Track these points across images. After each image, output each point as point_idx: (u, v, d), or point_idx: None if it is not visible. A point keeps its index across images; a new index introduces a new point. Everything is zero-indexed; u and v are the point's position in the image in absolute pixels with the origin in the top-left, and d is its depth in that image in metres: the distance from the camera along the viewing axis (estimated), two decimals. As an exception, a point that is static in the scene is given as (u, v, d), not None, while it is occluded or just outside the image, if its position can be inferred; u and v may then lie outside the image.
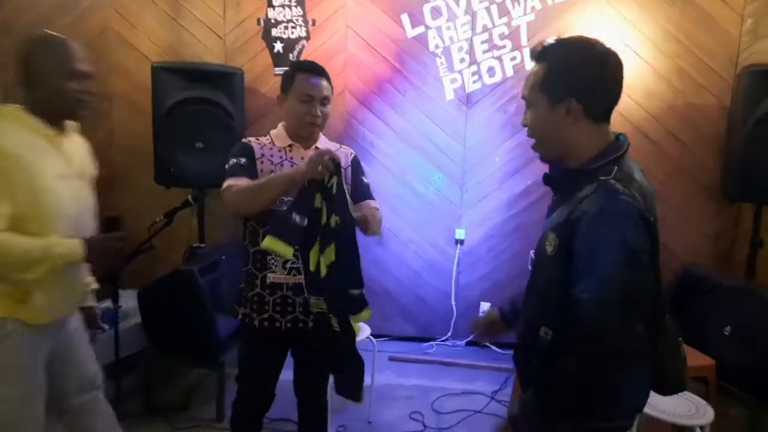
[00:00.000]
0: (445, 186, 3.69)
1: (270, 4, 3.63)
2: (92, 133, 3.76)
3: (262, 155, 1.95)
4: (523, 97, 1.40)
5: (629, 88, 3.47)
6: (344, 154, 2.06)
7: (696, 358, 2.63)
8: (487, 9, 3.50)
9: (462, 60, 3.57)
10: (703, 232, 3.54)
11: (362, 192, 2.07)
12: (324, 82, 1.96)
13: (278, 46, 3.67)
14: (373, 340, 2.96)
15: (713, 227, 3.53)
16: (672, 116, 3.48)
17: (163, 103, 3.24)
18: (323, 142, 2.05)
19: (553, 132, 1.35)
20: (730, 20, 3.36)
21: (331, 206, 1.73)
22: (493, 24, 3.51)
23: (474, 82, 3.58)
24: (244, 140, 2.02)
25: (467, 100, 3.62)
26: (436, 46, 3.57)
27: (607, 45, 1.34)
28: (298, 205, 1.71)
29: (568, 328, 1.26)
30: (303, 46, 3.66)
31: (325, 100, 1.96)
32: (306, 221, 1.70)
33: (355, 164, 2.09)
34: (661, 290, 1.42)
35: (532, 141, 1.40)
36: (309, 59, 2.08)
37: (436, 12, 3.54)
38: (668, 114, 3.48)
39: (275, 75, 3.69)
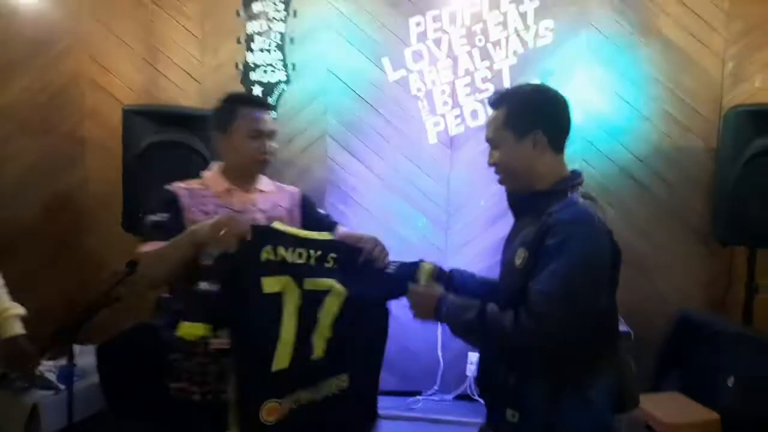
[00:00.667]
0: (429, 230, 3.57)
1: (249, 48, 3.58)
2: (66, 179, 3.70)
3: (192, 205, 1.71)
4: (487, 140, 1.55)
5: (614, 131, 3.42)
6: (289, 194, 1.92)
7: (699, 413, 2.47)
8: (469, 53, 3.47)
9: (445, 103, 3.51)
10: (694, 276, 3.42)
11: (326, 226, 1.90)
12: (270, 115, 1.83)
13: (257, 90, 3.59)
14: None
15: (705, 272, 3.41)
16: (658, 158, 3.42)
17: (133, 147, 3.12)
18: (265, 184, 1.89)
19: (522, 163, 1.49)
20: (711, 63, 3.36)
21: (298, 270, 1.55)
22: (475, 68, 3.48)
23: (457, 125, 3.51)
24: (168, 187, 1.75)
25: (451, 143, 3.54)
26: (418, 90, 3.52)
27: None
28: (206, 271, 1.49)
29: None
30: (283, 90, 3.59)
31: (273, 134, 1.82)
32: (218, 287, 1.47)
33: (305, 203, 1.93)
34: (616, 313, 1.55)
35: (499, 177, 1.55)
36: (248, 93, 1.91)
37: (417, 56, 3.50)
38: (655, 156, 3.42)
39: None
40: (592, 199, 1.48)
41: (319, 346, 1.60)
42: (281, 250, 1.54)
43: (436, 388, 3.55)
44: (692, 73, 3.37)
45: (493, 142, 1.53)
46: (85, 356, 2.87)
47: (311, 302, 1.58)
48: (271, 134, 1.81)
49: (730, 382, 2.56)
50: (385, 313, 1.71)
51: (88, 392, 2.81)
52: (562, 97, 1.52)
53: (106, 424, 2.75)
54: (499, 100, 1.53)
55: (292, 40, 3.55)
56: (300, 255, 1.58)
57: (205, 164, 3.12)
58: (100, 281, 3.01)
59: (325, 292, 1.60)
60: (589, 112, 3.42)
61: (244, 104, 1.79)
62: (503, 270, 1.55)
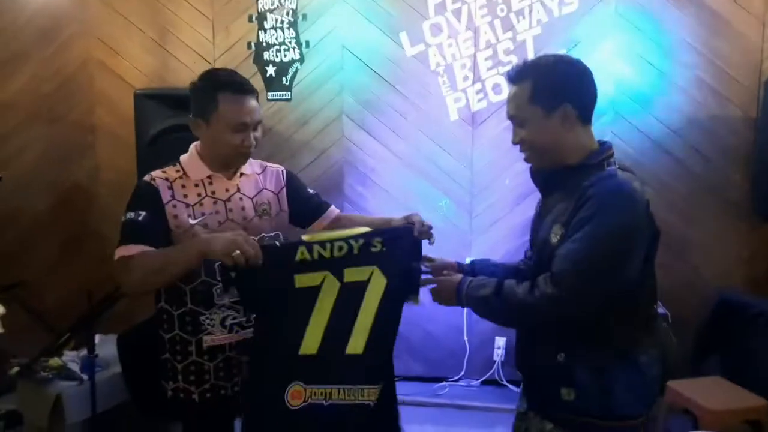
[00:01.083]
0: (452, 212, 3.44)
1: (261, 27, 3.45)
2: (77, 168, 3.65)
3: (172, 197, 1.59)
4: (510, 118, 1.46)
5: (646, 102, 3.24)
6: (274, 175, 1.78)
7: (745, 398, 2.33)
8: (490, 24, 3.30)
9: (465, 78, 3.36)
10: (734, 253, 3.25)
11: (314, 205, 1.81)
12: (254, 103, 1.62)
13: (270, 70, 3.47)
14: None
15: (746, 248, 3.24)
16: (694, 130, 3.23)
17: (146, 133, 3.03)
18: (248, 167, 1.73)
19: (551, 139, 1.41)
20: (750, 26, 3.15)
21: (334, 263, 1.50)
22: (497, 39, 3.31)
23: (479, 100, 3.36)
24: (146, 179, 1.61)
25: (473, 119, 3.39)
26: (438, 65, 3.37)
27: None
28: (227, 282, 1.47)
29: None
30: (297, 69, 3.46)
31: (258, 125, 1.64)
32: (229, 297, 1.49)
33: (292, 181, 1.80)
34: (655, 288, 1.50)
35: (525, 155, 1.47)
36: (229, 71, 1.66)
37: (436, 29, 3.34)
38: (690, 128, 3.23)
39: (268, 101, 3.49)
40: (630, 170, 1.43)
41: (356, 341, 1.51)
42: (318, 249, 1.49)
43: (462, 373, 3.45)
44: (729, 38, 3.17)
45: (518, 119, 1.45)
46: (107, 346, 2.83)
47: (350, 296, 1.51)
48: (255, 126, 1.63)
49: (778, 365, 2.42)
50: (398, 310, 1.58)
51: (110, 383, 2.76)
52: (585, 66, 1.45)
53: (130, 415, 2.70)
54: (521, 73, 1.44)
55: (304, 17, 3.41)
56: (340, 248, 1.50)
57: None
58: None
59: (365, 284, 1.52)
60: (619, 83, 3.24)
61: (225, 90, 1.58)
62: (536, 249, 1.48)
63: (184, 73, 3.51)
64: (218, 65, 3.50)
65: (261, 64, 3.47)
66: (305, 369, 1.50)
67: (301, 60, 3.45)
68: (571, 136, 1.42)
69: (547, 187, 1.50)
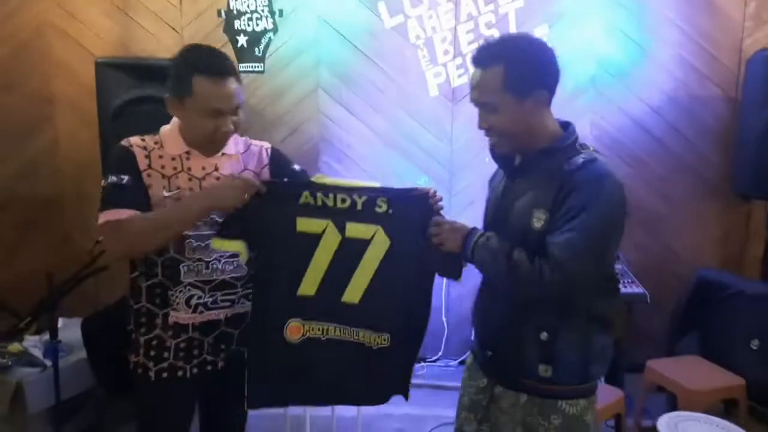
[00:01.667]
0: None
1: (231, -7, 3.26)
2: (34, 142, 3.43)
3: (149, 166, 1.51)
4: (478, 104, 1.41)
5: (627, 79, 3.20)
6: (257, 154, 1.69)
7: (723, 378, 2.35)
8: (472, -5, 3.20)
9: (446, 52, 3.25)
10: (710, 232, 3.28)
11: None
12: (234, 86, 1.51)
13: (242, 40, 3.30)
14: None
15: (721, 227, 3.27)
16: (673, 109, 3.21)
17: (109, 105, 2.82)
18: (230, 145, 1.62)
19: (523, 126, 1.38)
20: (732, 4, 3.12)
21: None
22: (479, 12, 3.21)
23: (460, 75, 3.26)
24: (124, 143, 1.54)
25: (453, 95, 3.30)
26: (417, 37, 3.25)
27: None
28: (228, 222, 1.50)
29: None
30: (270, 40, 3.30)
31: (237, 109, 1.54)
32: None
33: (276, 158, 1.72)
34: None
35: (492, 140, 1.43)
36: (209, 50, 1.54)
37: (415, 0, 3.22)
38: (669, 107, 3.21)
39: (240, 72, 3.31)
40: (597, 152, 1.45)
41: (352, 292, 1.54)
42: (321, 196, 1.51)
43: (440, 353, 3.43)
44: (711, 16, 3.14)
45: (486, 105, 1.39)
46: (71, 330, 2.69)
47: (350, 251, 1.52)
48: (234, 110, 1.53)
49: (755, 344, 2.45)
50: (430, 277, 1.57)
51: (75, 368, 2.63)
52: (551, 47, 1.43)
53: (96, 402, 2.59)
54: (490, 57, 1.38)
55: (278, -16, 3.24)
56: (344, 201, 1.51)
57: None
58: (84, 250, 2.78)
59: (367, 243, 1.52)
60: (601, 60, 3.19)
61: (201, 73, 1.47)
62: (508, 233, 1.41)
63: (149, 42, 3.31)
64: (186, 33, 3.31)
65: (232, 33, 3.29)
66: (302, 307, 1.54)
67: (275, 30, 3.28)
68: (540, 120, 1.41)
69: (515, 170, 1.47)
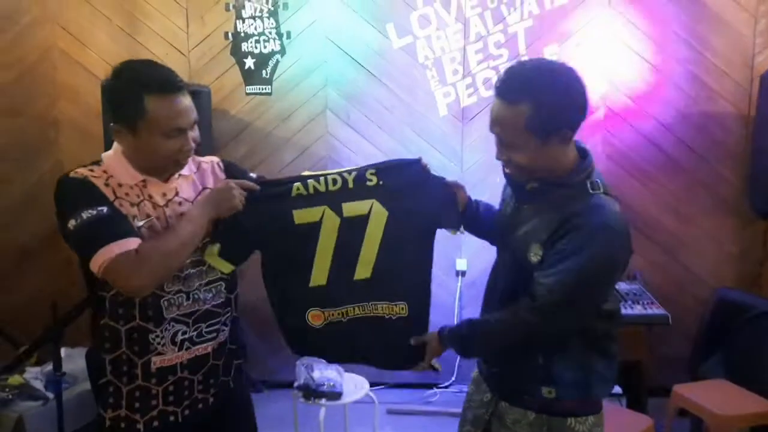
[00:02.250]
0: (441, 211, 3.31)
1: (239, 16, 3.25)
2: (39, 165, 3.38)
3: (115, 195, 1.36)
4: (498, 136, 1.35)
5: (638, 97, 3.18)
6: (207, 168, 1.57)
7: (753, 403, 2.27)
8: (481, 15, 3.18)
9: (455, 71, 3.23)
10: (726, 250, 3.22)
11: None
12: (187, 100, 1.39)
13: (249, 62, 3.28)
14: (372, 393, 2.53)
15: (738, 245, 3.21)
16: (685, 125, 3.18)
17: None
18: (185, 166, 1.50)
19: (542, 162, 1.34)
20: (742, 21, 3.11)
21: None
22: (488, 32, 3.19)
23: (469, 95, 3.24)
24: (75, 176, 1.36)
25: (462, 115, 3.27)
26: (426, 58, 3.23)
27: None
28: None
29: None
30: (277, 62, 3.27)
31: (194, 125, 1.41)
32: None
33: (231, 170, 1.61)
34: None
35: (510, 171, 1.40)
36: (152, 66, 1.42)
37: (424, 20, 3.20)
38: (681, 123, 3.18)
39: (247, 94, 3.30)
40: (608, 190, 1.38)
41: (363, 269, 1.56)
42: (312, 183, 1.52)
43: (453, 379, 3.33)
44: (722, 33, 3.12)
45: (507, 142, 1.34)
46: (74, 360, 2.61)
47: (352, 230, 1.53)
48: (192, 126, 1.41)
49: (784, 367, 2.37)
50: (431, 235, 1.60)
51: (79, 400, 2.55)
52: (578, 75, 1.35)
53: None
54: (516, 93, 1.29)
55: (285, 6, 3.22)
56: (335, 181, 1.53)
57: (197, 145, 2.85)
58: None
59: (366, 218, 1.53)
60: (612, 78, 3.16)
61: (152, 91, 1.32)
62: (511, 255, 1.44)
63: (156, 65, 3.28)
64: (192, 56, 3.29)
65: (239, 55, 3.27)
66: (319, 297, 1.56)
67: (282, 52, 3.26)
68: (561, 153, 1.36)
69: (525, 195, 1.44)
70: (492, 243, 1.67)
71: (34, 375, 2.65)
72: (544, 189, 1.37)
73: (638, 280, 2.89)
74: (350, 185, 1.53)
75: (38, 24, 3.27)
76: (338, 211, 1.52)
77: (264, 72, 3.28)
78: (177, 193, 1.47)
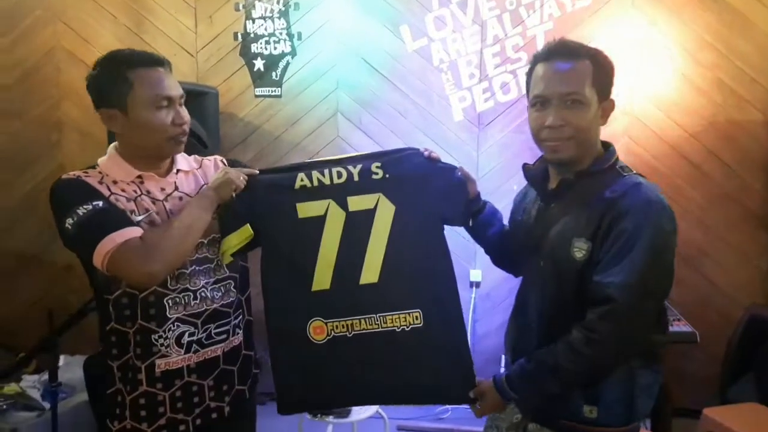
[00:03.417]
0: (455, 220, 3.19)
1: (248, 17, 3.15)
2: (41, 168, 3.29)
3: (110, 192, 1.34)
4: (569, 96, 1.30)
5: (663, 103, 3.04)
6: (209, 165, 1.55)
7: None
8: (499, 18, 3.07)
9: (471, 75, 3.11)
10: (754, 265, 3.07)
11: None
12: (172, 77, 1.39)
13: (259, 64, 3.18)
14: (381, 411, 2.40)
15: (765, 260, 3.06)
16: (713, 134, 3.04)
17: (119, 130, 2.70)
18: (183, 162, 1.49)
19: (593, 132, 1.33)
20: (772, 25, 2.97)
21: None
22: (506, 34, 3.08)
23: (486, 100, 3.12)
24: (68, 177, 1.35)
25: (479, 120, 3.15)
26: (441, 61, 3.12)
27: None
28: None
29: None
30: (288, 63, 3.17)
31: (182, 99, 1.41)
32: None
33: (235, 166, 1.55)
34: None
35: (557, 142, 1.32)
36: (132, 49, 1.41)
37: (439, 22, 3.09)
38: (708, 132, 3.04)
39: (256, 96, 3.19)
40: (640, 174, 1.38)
41: (369, 271, 1.46)
42: (317, 175, 1.46)
43: (466, 395, 3.20)
44: (750, 37, 2.98)
45: (576, 98, 1.30)
46: (73, 368, 2.52)
47: (357, 225, 1.46)
48: (181, 98, 1.40)
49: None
50: (441, 236, 1.50)
51: (76, 412, 2.45)
52: None
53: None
54: (578, 52, 1.33)
55: (296, 6, 3.12)
56: (339, 174, 1.46)
57: (203, 147, 2.75)
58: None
59: (372, 212, 1.45)
60: (635, 84, 3.03)
61: (136, 66, 1.33)
62: (544, 265, 1.36)
63: (163, 66, 3.19)
64: (201, 57, 3.20)
65: (248, 56, 3.17)
66: (321, 305, 1.46)
67: (293, 53, 3.16)
68: (597, 134, 1.36)
69: (550, 194, 1.40)
70: (487, 251, 1.63)
71: (31, 383, 2.55)
72: (570, 185, 1.34)
73: (663, 295, 2.75)
74: (356, 178, 1.46)
75: (42, 23, 3.19)
76: (343, 205, 1.45)
77: (274, 74, 3.18)
78: (177, 188, 1.43)
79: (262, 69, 3.18)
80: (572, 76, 1.30)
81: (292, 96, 3.18)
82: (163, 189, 1.40)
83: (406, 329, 1.46)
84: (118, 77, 1.32)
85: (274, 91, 3.18)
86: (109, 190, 1.33)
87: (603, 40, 3.02)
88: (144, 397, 1.37)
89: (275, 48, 3.16)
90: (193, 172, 1.50)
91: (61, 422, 2.18)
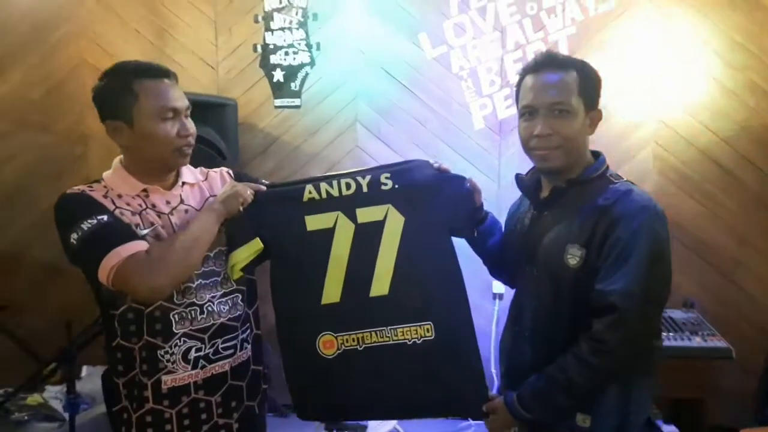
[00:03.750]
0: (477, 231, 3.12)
1: (268, 28, 3.16)
2: (66, 181, 3.34)
3: (115, 206, 1.33)
4: (555, 106, 1.34)
5: (693, 108, 2.93)
6: (216, 177, 1.54)
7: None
8: (519, 23, 3.01)
9: (492, 82, 3.06)
10: (792, 276, 2.92)
11: None
12: (177, 88, 1.39)
13: (278, 75, 3.18)
14: (399, 427, 2.34)
15: (805, 271, 2.91)
16: (745, 139, 2.91)
17: (140, 142, 2.73)
18: (188, 174, 1.48)
19: (581, 141, 1.36)
20: (808, 24, 2.85)
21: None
22: (527, 40, 3.02)
23: (507, 107, 3.05)
24: (73, 192, 1.34)
25: (500, 128, 3.09)
26: (461, 68, 3.07)
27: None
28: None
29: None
30: (306, 74, 3.17)
31: (188, 110, 1.39)
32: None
33: (241, 178, 1.56)
34: None
35: (546, 152, 1.36)
36: (137, 61, 1.40)
37: (459, 29, 3.05)
38: (741, 137, 2.91)
39: (275, 108, 3.20)
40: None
41: (379, 283, 1.45)
42: (325, 187, 1.44)
43: (489, 409, 3.11)
44: (785, 38, 2.86)
45: (563, 108, 1.34)
46: (95, 379, 2.53)
47: (367, 237, 1.44)
48: (187, 109, 1.39)
49: None
50: (451, 247, 1.47)
51: (95, 423, 2.44)
52: None
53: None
54: (564, 62, 1.38)
55: (315, 17, 3.13)
56: (348, 186, 1.44)
57: (221, 159, 2.76)
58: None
59: (382, 224, 1.44)
60: (662, 88, 2.93)
61: (141, 77, 1.33)
62: (537, 274, 1.38)
63: (184, 79, 3.15)
64: (221, 69, 3.22)
65: (268, 68, 3.18)
66: (331, 318, 1.45)
67: (312, 63, 3.16)
68: (586, 143, 1.40)
69: (542, 202, 1.43)
70: (485, 261, 1.63)
71: (53, 394, 2.58)
72: (562, 192, 1.37)
73: (696, 308, 2.63)
74: (365, 189, 1.45)
75: (70, 38, 3.26)
76: (352, 217, 1.44)
77: (293, 84, 3.18)
78: (182, 201, 1.42)
79: (281, 80, 3.18)
80: (559, 87, 1.34)
81: (311, 106, 3.18)
82: (168, 202, 1.40)
83: (417, 342, 1.44)
84: (123, 89, 1.32)
85: (294, 101, 3.18)
86: (114, 203, 1.33)
87: (627, 43, 2.94)
88: (150, 415, 1.35)
89: (294, 59, 3.16)
90: (198, 184, 1.49)
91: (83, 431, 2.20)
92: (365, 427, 2.19)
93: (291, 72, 3.17)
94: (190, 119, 1.40)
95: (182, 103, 1.37)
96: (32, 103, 3.27)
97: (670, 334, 2.41)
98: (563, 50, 2.97)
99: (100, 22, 3.25)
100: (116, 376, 1.38)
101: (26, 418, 2.37)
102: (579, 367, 1.27)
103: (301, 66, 3.17)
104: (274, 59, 3.18)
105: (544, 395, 1.32)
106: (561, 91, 1.34)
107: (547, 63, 1.37)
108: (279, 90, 3.19)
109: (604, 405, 1.31)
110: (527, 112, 1.38)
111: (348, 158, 3.18)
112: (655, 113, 2.94)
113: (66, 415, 2.44)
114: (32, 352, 3.01)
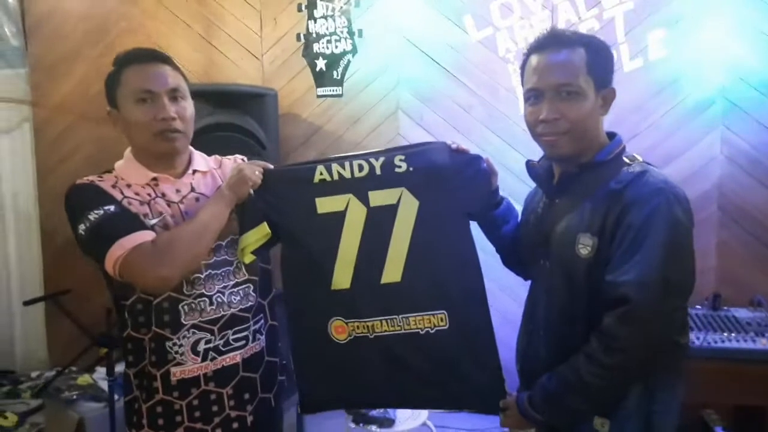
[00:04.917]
0: (523, 221, 2.97)
1: (311, 16, 3.15)
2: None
3: (123, 195, 1.31)
4: (562, 87, 1.24)
5: (766, 86, 2.63)
6: (229, 165, 1.49)
7: None
8: (571, 0, 2.82)
9: (540, 65, 2.89)
10: None
11: None
12: (165, 68, 1.33)
13: (321, 64, 3.16)
14: (429, 422, 2.27)
15: None
16: (831, 120, 2.59)
17: (186, 132, 2.80)
18: (200, 162, 1.44)
19: (591, 124, 1.27)
20: None
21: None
22: (580, 18, 2.82)
23: (557, 90, 2.88)
24: (82, 182, 1.33)
25: (549, 113, 2.92)
26: (507, 50, 2.92)
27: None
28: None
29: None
30: (348, 62, 3.13)
31: (175, 92, 1.33)
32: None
33: None
34: None
35: (554, 137, 1.26)
36: (137, 48, 1.43)
37: (506, 9, 2.90)
38: (825, 118, 2.60)
39: (318, 97, 3.18)
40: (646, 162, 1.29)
41: (391, 270, 1.39)
42: (337, 168, 1.39)
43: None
44: None
45: (568, 89, 1.23)
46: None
47: (379, 221, 1.39)
48: (172, 92, 1.33)
49: None
50: (468, 233, 1.41)
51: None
52: None
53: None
54: (571, 40, 1.27)
55: (357, 3, 3.07)
56: (361, 167, 1.39)
57: (261, 149, 2.78)
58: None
59: (395, 208, 1.38)
60: (732, 67, 2.65)
61: (129, 64, 1.33)
62: (551, 266, 1.29)
63: (231, 70, 3.28)
64: (266, 59, 3.25)
65: (311, 57, 3.17)
66: (341, 305, 1.41)
67: (354, 51, 3.11)
68: (598, 125, 1.29)
69: (554, 189, 1.35)
70: (498, 250, 1.54)
71: (102, 375, 2.69)
72: (573, 178, 1.28)
73: (764, 307, 2.37)
74: (378, 171, 1.38)
75: (126, 34, 3.39)
76: (365, 201, 1.39)
77: (335, 73, 3.15)
78: (193, 189, 1.40)
79: (323, 69, 3.16)
80: (566, 66, 1.24)
81: (353, 95, 3.14)
82: (178, 191, 1.38)
83: (431, 331, 1.38)
84: (112, 76, 1.35)
85: (336, 90, 3.16)
86: (122, 193, 1.32)
87: (691, 17, 2.68)
88: (161, 405, 1.35)
89: (336, 47, 3.13)
90: (211, 172, 1.47)
91: (120, 414, 2.28)
92: (393, 420, 2.13)
93: (333, 60, 3.14)
94: (179, 102, 1.35)
95: (158, 83, 1.31)
96: (92, 97, 3.42)
97: (732, 334, 2.20)
98: (619, 29, 2.76)
99: (154, 18, 3.37)
100: (128, 366, 1.39)
101: (75, 397, 2.49)
102: (590, 366, 1.17)
103: (343, 54, 3.13)
104: (316, 48, 3.16)
105: (555, 397, 1.23)
106: (567, 71, 1.24)
107: (552, 41, 1.27)
108: (321, 79, 3.17)
109: (624, 408, 1.21)
110: (532, 96, 1.29)
111: (390, 146, 3.09)
112: (725, 94, 2.67)
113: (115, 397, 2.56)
114: (91, 335, 3.17)
